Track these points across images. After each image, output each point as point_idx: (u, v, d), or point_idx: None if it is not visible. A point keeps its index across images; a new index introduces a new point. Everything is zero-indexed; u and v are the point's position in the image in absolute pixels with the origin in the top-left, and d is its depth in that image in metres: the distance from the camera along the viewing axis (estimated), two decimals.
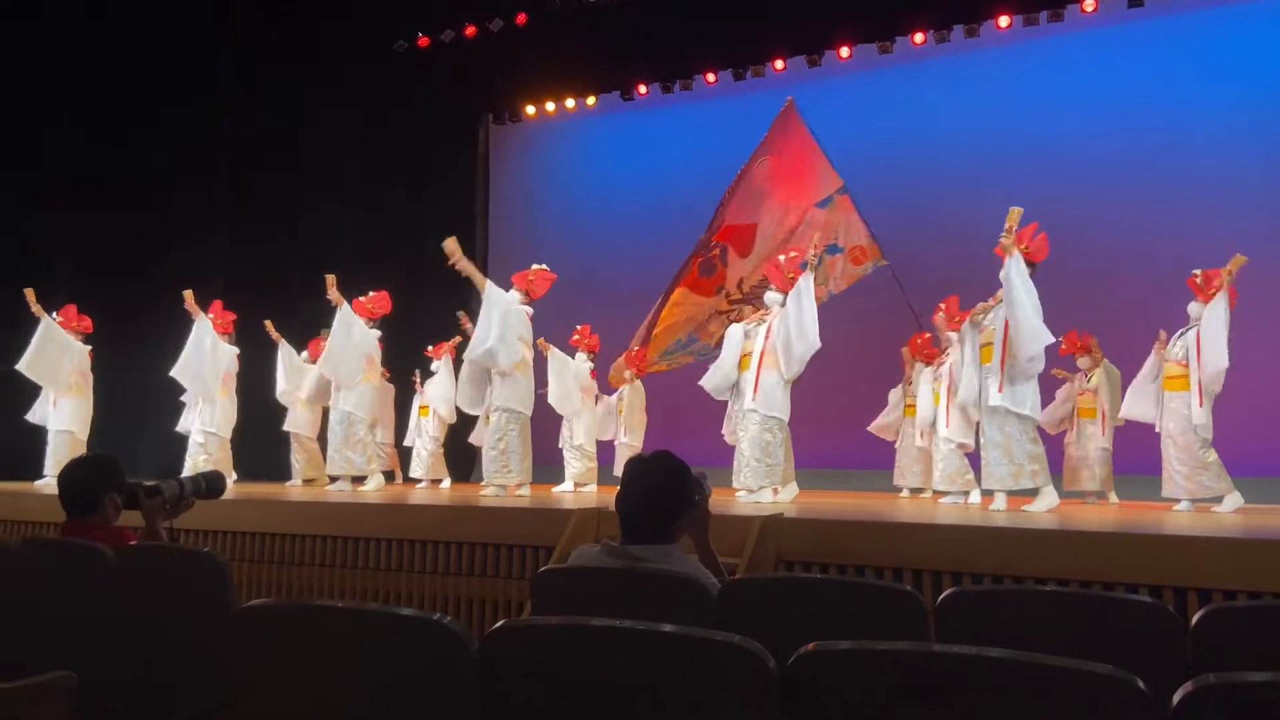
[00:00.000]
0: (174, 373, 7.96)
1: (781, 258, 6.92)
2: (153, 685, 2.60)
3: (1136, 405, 6.74)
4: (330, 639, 1.68)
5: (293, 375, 8.71)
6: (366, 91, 11.48)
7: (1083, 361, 7.87)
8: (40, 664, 2.01)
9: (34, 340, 7.87)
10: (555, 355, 8.32)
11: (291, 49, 10.52)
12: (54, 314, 8.07)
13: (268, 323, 8.70)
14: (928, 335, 8.14)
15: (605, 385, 9.17)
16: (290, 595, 5.18)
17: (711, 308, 7.95)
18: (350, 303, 7.65)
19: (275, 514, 5.60)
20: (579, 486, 8.23)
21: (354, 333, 7.56)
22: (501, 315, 6.61)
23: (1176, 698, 1.21)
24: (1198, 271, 6.47)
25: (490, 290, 6.71)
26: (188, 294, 8.04)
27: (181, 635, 2.59)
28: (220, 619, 2.44)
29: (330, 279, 7.55)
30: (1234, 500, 6.12)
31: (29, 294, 7.90)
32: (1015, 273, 5.59)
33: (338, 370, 7.55)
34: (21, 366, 7.85)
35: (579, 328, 9.03)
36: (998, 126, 10.07)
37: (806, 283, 6.47)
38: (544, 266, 7.08)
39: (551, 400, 8.19)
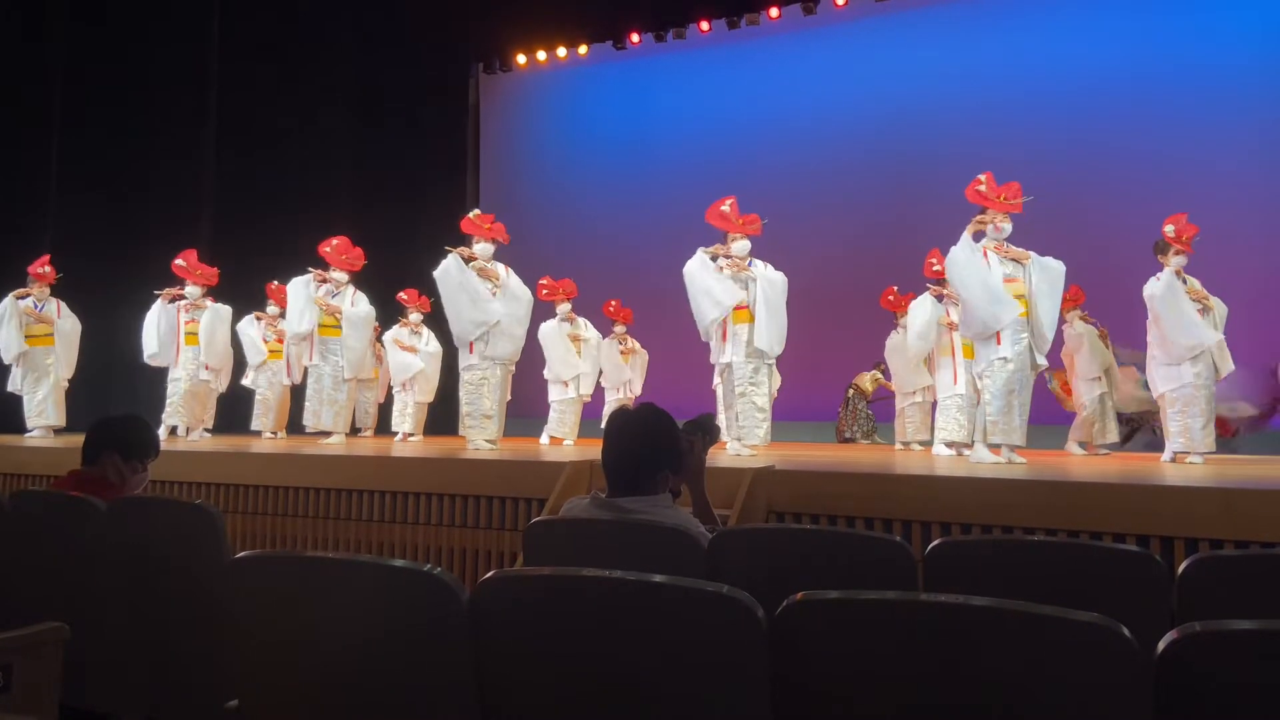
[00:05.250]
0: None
1: None
2: (146, 637, 2.61)
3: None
4: (322, 589, 1.69)
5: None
6: (357, 39, 11.30)
7: (1072, 315, 7.78)
8: (32, 616, 2.01)
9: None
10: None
11: (278, 2, 10.35)
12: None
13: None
14: (896, 290, 8.10)
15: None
16: (283, 547, 5.19)
17: None
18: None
19: (268, 467, 5.59)
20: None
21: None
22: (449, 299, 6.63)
23: (1161, 645, 1.22)
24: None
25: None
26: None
27: (175, 587, 2.60)
28: (213, 570, 2.44)
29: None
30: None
31: None
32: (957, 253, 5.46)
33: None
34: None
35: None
36: (997, 77, 10.00)
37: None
38: (477, 211, 7.08)
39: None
